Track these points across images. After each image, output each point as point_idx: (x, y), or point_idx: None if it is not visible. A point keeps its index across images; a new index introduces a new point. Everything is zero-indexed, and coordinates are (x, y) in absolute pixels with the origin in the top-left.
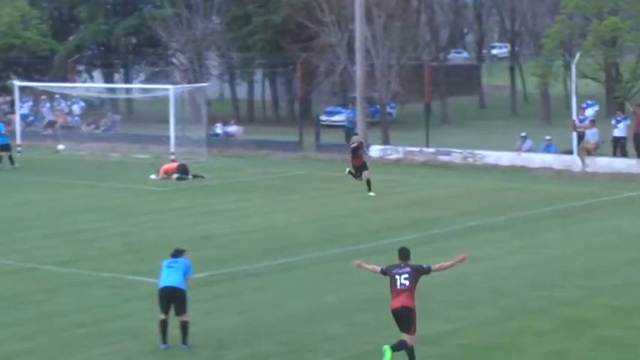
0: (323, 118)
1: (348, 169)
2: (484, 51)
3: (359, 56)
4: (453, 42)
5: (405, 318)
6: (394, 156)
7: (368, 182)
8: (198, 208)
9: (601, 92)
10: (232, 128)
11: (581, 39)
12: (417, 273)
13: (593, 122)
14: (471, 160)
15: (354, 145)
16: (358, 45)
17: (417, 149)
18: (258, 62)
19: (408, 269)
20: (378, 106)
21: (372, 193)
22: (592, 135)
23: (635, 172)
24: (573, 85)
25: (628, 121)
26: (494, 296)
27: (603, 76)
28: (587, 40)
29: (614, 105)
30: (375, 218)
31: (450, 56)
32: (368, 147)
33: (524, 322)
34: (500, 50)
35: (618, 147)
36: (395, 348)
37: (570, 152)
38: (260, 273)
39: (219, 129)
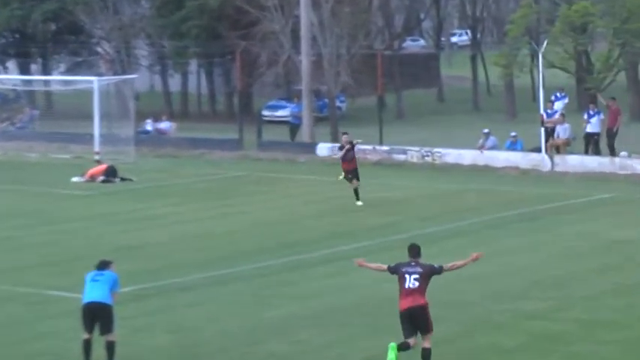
0: (265, 113)
1: (342, 176)
2: (443, 39)
3: (305, 45)
4: (408, 29)
5: (419, 318)
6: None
7: (355, 190)
8: (126, 215)
9: (571, 84)
10: (164, 125)
11: (548, 25)
12: (429, 273)
13: (563, 116)
14: (429, 159)
15: (346, 147)
16: (304, 32)
17: (369, 147)
18: (193, 51)
19: (419, 269)
20: (326, 100)
21: (360, 202)
22: (562, 130)
23: (609, 172)
24: (540, 76)
25: (601, 116)
26: (454, 310)
27: (573, 66)
28: (556, 27)
29: (585, 97)
30: (323, 224)
31: (405, 45)
32: (315, 145)
33: (488, 338)
34: (461, 38)
35: (591, 144)
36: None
37: (538, 150)
38: (195, 286)
39: (149, 126)
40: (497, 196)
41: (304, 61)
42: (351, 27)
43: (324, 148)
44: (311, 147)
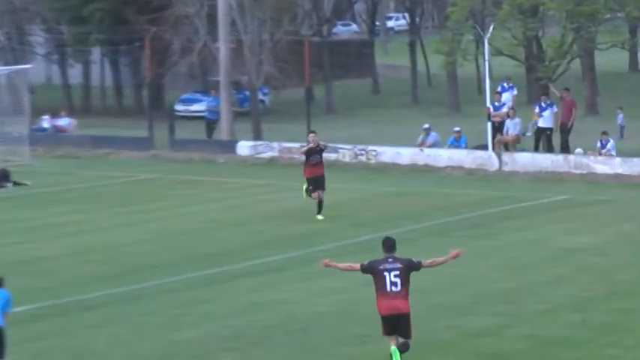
0: (179, 107)
1: (305, 187)
2: (378, 23)
3: (222, 30)
4: (339, 12)
5: (401, 326)
6: (268, 154)
7: (319, 203)
8: (19, 224)
9: (520, 73)
10: (63, 121)
11: (495, 8)
12: (409, 269)
13: (513, 110)
14: (363, 157)
15: (310, 146)
16: (221, 16)
17: (296, 145)
18: (96, 38)
19: (398, 265)
20: (247, 93)
21: (321, 217)
22: (512, 126)
23: (563, 171)
24: (487, 65)
25: (555, 109)
26: None
27: (522, 53)
28: (503, 10)
29: (536, 88)
30: (244, 233)
31: (335, 30)
32: (235, 143)
33: (430, 358)
34: (398, 22)
35: (543, 140)
36: (401, 348)
37: (484, 147)
38: (99, 305)
39: (46, 123)
40: (439, 200)
41: (222, 48)
42: (275, 10)
43: (245, 147)
44: (230, 145)
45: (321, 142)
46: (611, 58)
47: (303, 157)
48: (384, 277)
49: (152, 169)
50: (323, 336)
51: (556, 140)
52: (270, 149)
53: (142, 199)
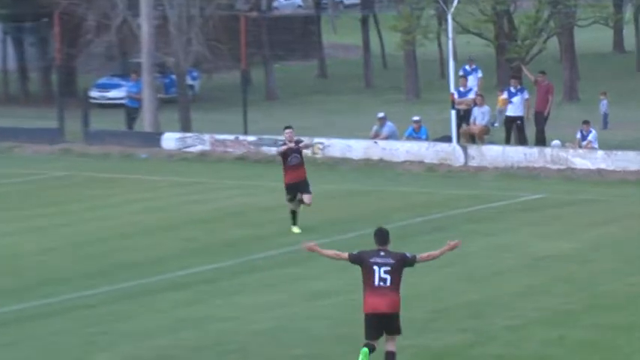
0: (94, 94)
1: (289, 197)
2: None
3: (144, 4)
4: None
5: (389, 324)
6: (198, 148)
7: (294, 213)
8: None
9: (489, 53)
10: None
11: None
12: (401, 265)
13: (480, 97)
14: (308, 152)
15: (289, 146)
16: None
17: (231, 138)
18: None
19: (390, 260)
20: (173, 77)
21: (296, 229)
22: (479, 114)
23: (538, 166)
24: (450, 44)
25: (526, 95)
26: (343, 345)
27: (492, 31)
28: None
29: (507, 71)
30: (171, 239)
31: (276, 4)
32: (160, 135)
33: None
34: None
35: (513, 130)
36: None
37: (448, 139)
38: (2, 322)
39: None
40: (396, 200)
41: (144, 25)
42: None
43: (171, 140)
44: (154, 138)
45: (301, 141)
46: (593, 37)
47: (280, 159)
48: (374, 271)
49: (63, 166)
50: (261, 358)
51: (530, 131)
52: (200, 142)
53: (51, 201)
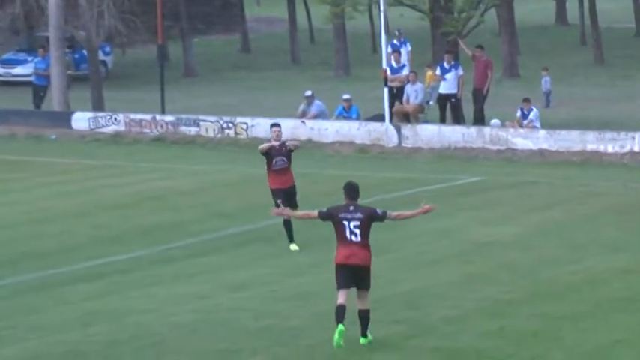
0: None
1: (278, 203)
2: None
3: None
4: None
5: (359, 277)
6: (112, 128)
7: (288, 226)
8: None
9: (424, 27)
10: None
11: None
12: (370, 220)
13: (414, 74)
14: (230, 132)
15: (274, 144)
16: None
17: (147, 117)
18: None
19: (359, 215)
20: (84, 52)
21: (295, 247)
22: (413, 92)
23: (477, 147)
24: (382, 17)
25: (460, 71)
26: (267, 338)
27: (427, 3)
28: None
29: (443, 46)
30: (82, 226)
31: None
32: (70, 115)
33: None
34: None
35: (449, 109)
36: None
37: (381, 118)
38: None
39: None
40: (325, 184)
41: None
42: None
43: (82, 120)
44: (64, 118)
45: (289, 141)
46: (533, 9)
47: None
48: (344, 226)
49: None
50: (181, 353)
51: (468, 109)
52: (114, 122)
53: None
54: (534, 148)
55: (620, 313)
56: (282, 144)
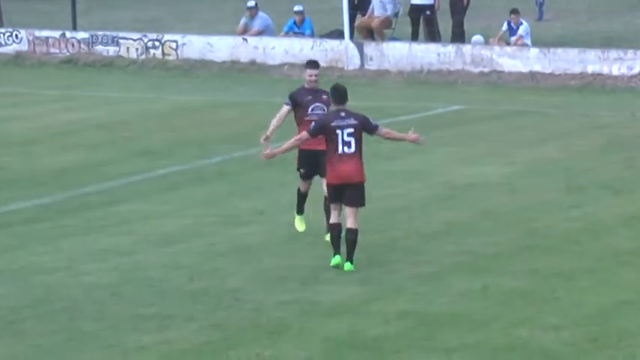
0: None
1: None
2: None
3: None
4: None
5: (353, 195)
6: (12, 47)
7: (302, 198)
8: None
9: None
10: None
11: None
12: (363, 127)
13: None
14: (157, 52)
15: (308, 90)
16: None
17: (55, 34)
18: None
19: (352, 121)
20: None
21: (300, 225)
22: (379, 3)
23: (455, 69)
24: None
25: None
26: (202, 302)
27: None
28: None
29: None
30: None
31: None
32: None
33: (257, 346)
34: None
35: (422, 24)
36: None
37: (339, 34)
38: None
39: None
40: (271, 115)
41: None
42: None
43: None
44: None
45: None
46: None
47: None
48: (337, 135)
49: None
50: (99, 319)
51: (444, 23)
52: (14, 40)
53: None
54: (524, 70)
55: (626, 269)
56: (321, 94)
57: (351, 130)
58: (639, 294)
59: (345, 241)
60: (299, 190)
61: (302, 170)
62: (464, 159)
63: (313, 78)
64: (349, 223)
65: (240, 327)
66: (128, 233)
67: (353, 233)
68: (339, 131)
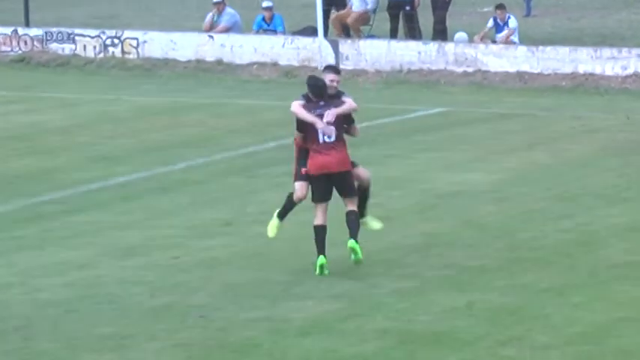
0: None
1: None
2: None
3: None
4: None
5: (342, 186)
6: None
7: (358, 216)
8: None
9: None
10: None
11: None
12: (344, 116)
13: None
14: (116, 50)
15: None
16: None
17: (6, 31)
18: None
19: (333, 109)
20: None
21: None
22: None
23: (437, 69)
24: None
25: None
26: (165, 321)
27: None
28: None
29: None
30: None
31: None
32: None
33: None
34: None
35: (402, 20)
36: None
37: (312, 31)
38: None
39: None
40: (240, 117)
41: None
42: None
43: None
44: None
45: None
46: None
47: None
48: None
49: None
50: (54, 339)
51: (425, 20)
52: None
53: None
54: (511, 69)
55: (621, 284)
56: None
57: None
58: (636, 310)
59: (347, 223)
60: (292, 195)
61: (304, 170)
62: (447, 165)
63: (335, 84)
64: (349, 207)
65: (205, 347)
66: (86, 246)
67: (353, 214)
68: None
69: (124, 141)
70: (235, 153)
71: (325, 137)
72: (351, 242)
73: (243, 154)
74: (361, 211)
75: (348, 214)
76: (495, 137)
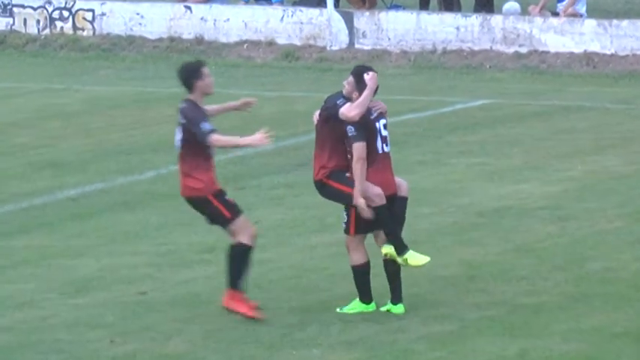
0: None
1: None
2: None
3: None
4: None
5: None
6: None
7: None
8: None
9: None
10: None
11: None
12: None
13: None
14: (65, 25)
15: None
16: None
17: None
18: None
19: (380, 104)
20: None
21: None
22: None
23: (481, 49)
24: None
25: None
26: None
27: None
28: None
29: None
30: None
31: None
32: None
33: None
34: None
35: None
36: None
37: (317, 1)
38: None
39: None
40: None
41: None
42: None
43: None
44: None
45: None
46: None
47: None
48: (377, 130)
49: None
50: None
51: None
52: None
53: None
54: (577, 50)
55: None
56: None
57: (385, 121)
58: None
59: (388, 277)
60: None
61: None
62: (492, 174)
63: (352, 86)
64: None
65: None
66: (27, 278)
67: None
68: (377, 124)
69: (76, 143)
70: (220, 159)
71: (384, 145)
72: (397, 307)
73: (230, 159)
74: (396, 242)
75: (399, 200)
76: (555, 138)
